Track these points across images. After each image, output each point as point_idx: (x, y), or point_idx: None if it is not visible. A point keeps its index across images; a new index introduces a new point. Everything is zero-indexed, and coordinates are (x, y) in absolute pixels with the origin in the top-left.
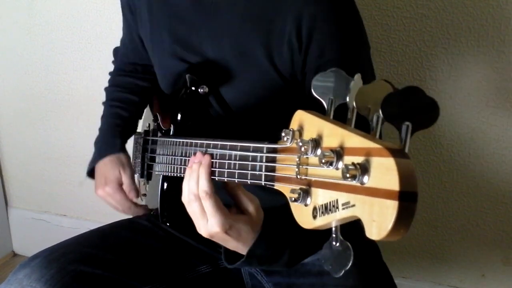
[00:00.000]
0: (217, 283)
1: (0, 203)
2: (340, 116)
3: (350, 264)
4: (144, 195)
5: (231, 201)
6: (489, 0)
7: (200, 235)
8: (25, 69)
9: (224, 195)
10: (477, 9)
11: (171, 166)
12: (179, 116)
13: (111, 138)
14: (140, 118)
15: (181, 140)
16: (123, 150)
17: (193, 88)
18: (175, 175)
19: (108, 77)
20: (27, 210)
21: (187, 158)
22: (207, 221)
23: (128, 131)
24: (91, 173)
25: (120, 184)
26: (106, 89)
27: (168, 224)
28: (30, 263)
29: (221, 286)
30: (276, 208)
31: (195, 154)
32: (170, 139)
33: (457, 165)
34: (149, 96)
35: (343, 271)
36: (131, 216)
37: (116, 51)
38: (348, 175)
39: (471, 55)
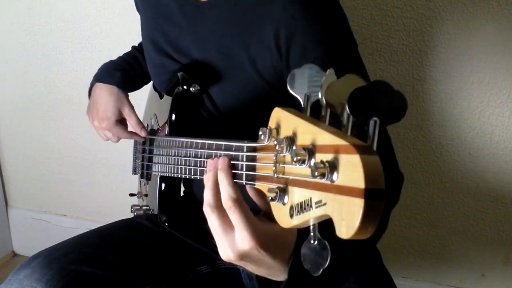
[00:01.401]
0: (216, 283)
1: (0, 203)
2: (318, 113)
3: (327, 263)
4: (146, 195)
5: (260, 210)
6: (489, 0)
7: (200, 235)
8: (25, 69)
9: (249, 201)
10: (477, 9)
11: (166, 166)
12: (173, 116)
13: (112, 69)
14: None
15: (174, 140)
16: (119, 85)
17: (185, 87)
18: (171, 175)
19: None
20: (27, 210)
21: (180, 158)
22: (233, 237)
23: (133, 74)
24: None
25: (116, 122)
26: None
27: (167, 224)
28: (31, 263)
29: (221, 286)
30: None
31: (205, 156)
32: (164, 139)
33: (457, 165)
34: None
35: (321, 270)
36: (131, 216)
37: None
38: (316, 173)
39: (471, 55)
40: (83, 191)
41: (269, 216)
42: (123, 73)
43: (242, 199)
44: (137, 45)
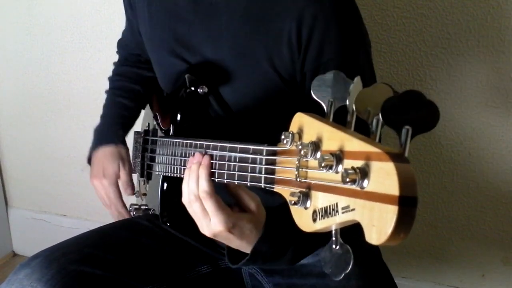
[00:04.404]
0: (217, 283)
1: (0, 203)
2: (339, 119)
3: (350, 267)
4: (144, 194)
5: (232, 200)
6: (489, 0)
7: (200, 235)
8: (25, 69)
9: (225, 194)
10: (477, 9)
11: (171, 167)
12: (178, 116)
13: (112, 127)
14: (143, 108)
15: (180, 140)
16: (123, 142)
17: (192, 88)
18: (175, 175)
19: (107, 78)
20: (27, 210)
21: (187, 159)
22: (209, 220)
23: (130, 121)
24: (90, 160)
25: (118, 179)
26: (110, 78)
27: (168, 224)
28: (31, 263)
29: (222, 286)
30: (277, 206)
31: (193, 155)
32: (169, 140)
33: (457, 165)
34: (154, 86)
35: (343, 274)
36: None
37: (119, 42)
38: (348, 180)
39: (471, 55)
40: (83, 191)
41: (240, 208)
42: (123, 130)
43: (214, 191)
44: (109, 82)
